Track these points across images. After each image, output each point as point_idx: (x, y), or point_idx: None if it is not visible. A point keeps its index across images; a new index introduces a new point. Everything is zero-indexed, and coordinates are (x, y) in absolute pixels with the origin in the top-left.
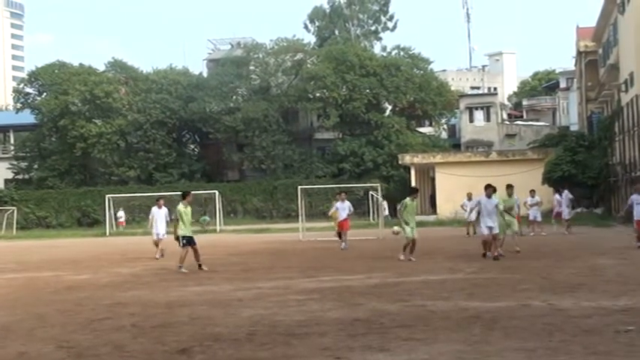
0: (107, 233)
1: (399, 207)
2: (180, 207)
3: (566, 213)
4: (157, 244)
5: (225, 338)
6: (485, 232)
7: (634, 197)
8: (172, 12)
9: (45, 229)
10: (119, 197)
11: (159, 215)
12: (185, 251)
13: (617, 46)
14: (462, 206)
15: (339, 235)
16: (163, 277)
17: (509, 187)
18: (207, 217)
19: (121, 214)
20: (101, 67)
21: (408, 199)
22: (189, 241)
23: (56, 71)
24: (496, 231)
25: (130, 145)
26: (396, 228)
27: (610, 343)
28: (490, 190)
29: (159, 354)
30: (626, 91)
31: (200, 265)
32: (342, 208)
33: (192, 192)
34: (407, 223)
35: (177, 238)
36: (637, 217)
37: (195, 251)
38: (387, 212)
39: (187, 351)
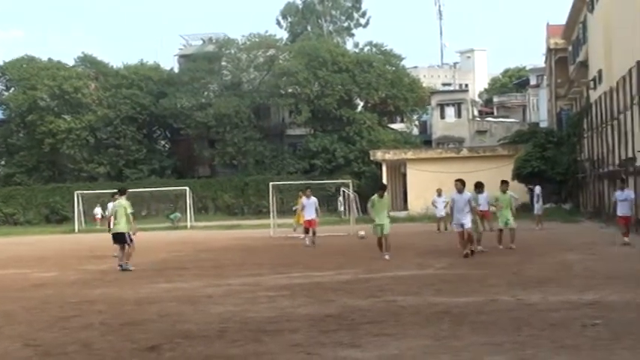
0: (76, 230)
1: (369, 204)
2: (124, 202)
3: (536, 208)
4: None
5: (195, 335)
6: (457, 228)
7: (617, 194)
8: (144, 7)
9: (12, 227)
10: (88, 194)
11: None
12: (132, 248)
13: (586, 43)
14: (432, 203)
15: (307, 230)
16: (132, 274)
17: (505, 183)
18: (177, 214)
19: (97, 210)
20: (71, 62)
21: (375, 196)
22: (117, 238)
23: (24, 66)
24: (468, 226)
25: (100, 140)
26: (361, 233)
27: (577, 336)
28: (460, 184)
29: (127, 352)
30: (595, 88)
31: (122, 266)
32: (309, 205)
33: (163, 188)
34: (372, 220)
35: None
36: (620, 213)
37: (123, 249)
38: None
39: (157, 348)
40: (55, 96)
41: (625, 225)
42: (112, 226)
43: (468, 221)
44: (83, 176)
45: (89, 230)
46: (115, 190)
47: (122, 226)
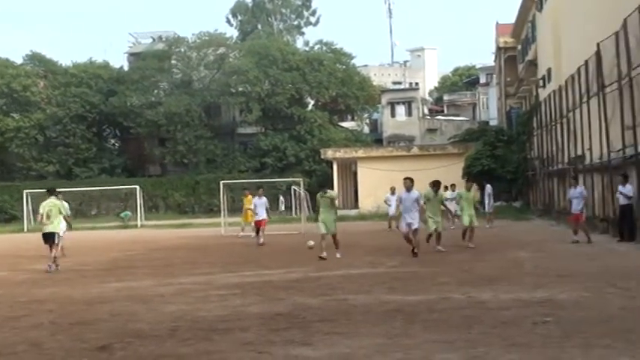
0: (25, 229)
1: (421, 201)
2: (57, 202)
3: (487, 207)
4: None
5: (147, 334)
6: (404, 228)
7: (571, 192)
8: (93, 4)
9: None
10: (37, 192)
11: None
12: (59, 249)
13: (535, 42)
14: (385, 201)
15: (257, 230)
16: (83, 274)
17: (469, 181)
18: (128, 213)
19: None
20: (19, 61)
21: (429, 191)
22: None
23: None
24: (415, 226)
25: (49, 139)
26: (310, 242)
27: (528, 334)
28: (409, 182)
29: (78, 351)
30: (544, 86)
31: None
32: (260, 204)
33: (113, 187)
34: (430, 217)
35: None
36: (573, 211)
37: (51, 248)
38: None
39: (107, 348)
40: (3, 94)
41: (575, 222)
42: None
43: (416, 221)
44: (32, 175)
45: (38, 229)
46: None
47: (54, 226)
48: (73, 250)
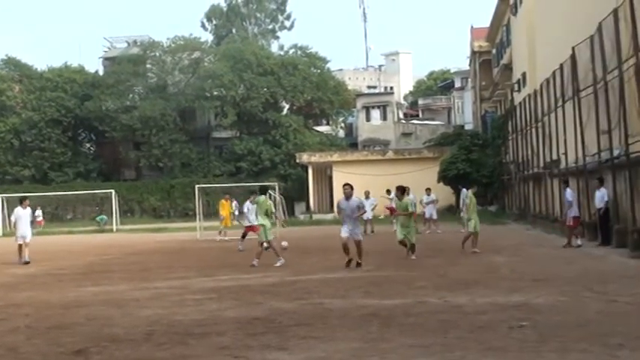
0: (1, 233)
1: (466, 200)
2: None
3: (463, 211)
4: (21, 247)
5: (123, 339)
6: (344, 235)
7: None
8: (67, 8)
9: None
10: (13, 197)
11: (24, 216)
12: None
13: (510, 46)
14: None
15: (245, 235)
16: (59, 278)
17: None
18: (104, 217)
19: (38, 212)
20: None
21: (471, 192)
22: None
23: None
24: (358, 237)
25: (25, 143)
26: (284, 243)
27: (504, 338)
28: (349, 189)
29: (54, 355)
30: (519, 90)
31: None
32: (252, 210)
33: (89, 191)
34: (469, 219)
35: None
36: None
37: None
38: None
39: (83, 352)
40: None
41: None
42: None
43: (358, 231)
44: (8, 179)
45: (13, 234)
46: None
47: None
48: (48, 255)
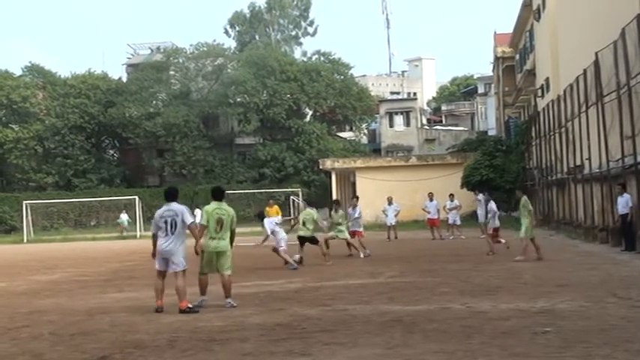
0: (25, 240)
1: (526, 204)
2: None
3: (481, 216)
4: None
5: (147, 345)
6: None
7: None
8: (91, 15)
9: None
10: (37, 204)
11: None
12: None
13: (533, 52)
14: (383, 211)
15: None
16: (83, 284)
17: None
18: (125, 218)
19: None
20: (18, 72)
21: (525, 197)
22: None
23: None
24: (282, 247)
25: (48, 150)
26: (296, 256)
27: (528, 344)
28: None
29: None
30: (542, 96)
31: None
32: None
33: (112, 198)
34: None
35: None
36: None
37: None
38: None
39: (107, 358)
40: (2, 106)
41: None
42: None
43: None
44: (32, 186)
45: (38, 240)
46: None
47: None
48: (72, 261)
